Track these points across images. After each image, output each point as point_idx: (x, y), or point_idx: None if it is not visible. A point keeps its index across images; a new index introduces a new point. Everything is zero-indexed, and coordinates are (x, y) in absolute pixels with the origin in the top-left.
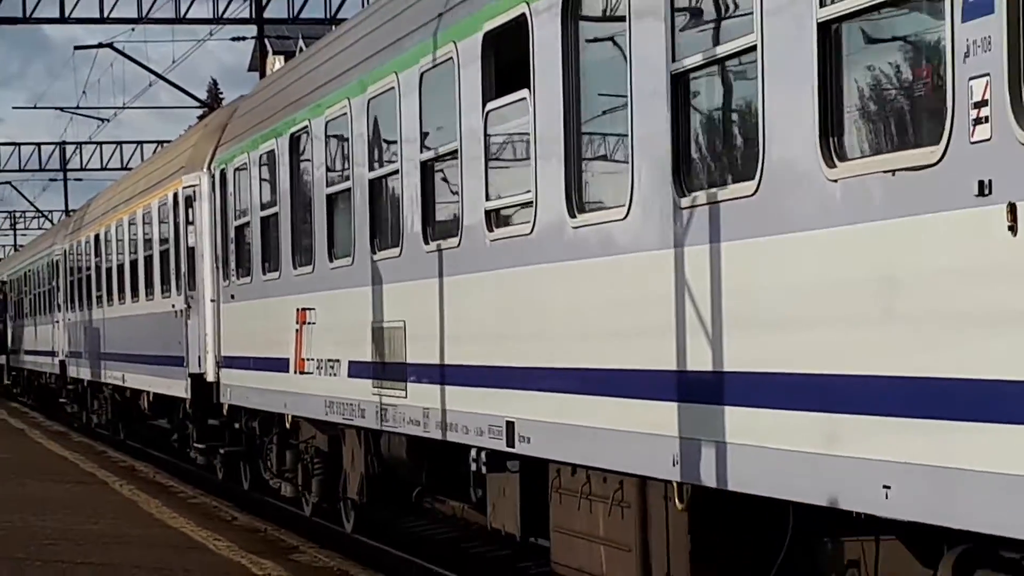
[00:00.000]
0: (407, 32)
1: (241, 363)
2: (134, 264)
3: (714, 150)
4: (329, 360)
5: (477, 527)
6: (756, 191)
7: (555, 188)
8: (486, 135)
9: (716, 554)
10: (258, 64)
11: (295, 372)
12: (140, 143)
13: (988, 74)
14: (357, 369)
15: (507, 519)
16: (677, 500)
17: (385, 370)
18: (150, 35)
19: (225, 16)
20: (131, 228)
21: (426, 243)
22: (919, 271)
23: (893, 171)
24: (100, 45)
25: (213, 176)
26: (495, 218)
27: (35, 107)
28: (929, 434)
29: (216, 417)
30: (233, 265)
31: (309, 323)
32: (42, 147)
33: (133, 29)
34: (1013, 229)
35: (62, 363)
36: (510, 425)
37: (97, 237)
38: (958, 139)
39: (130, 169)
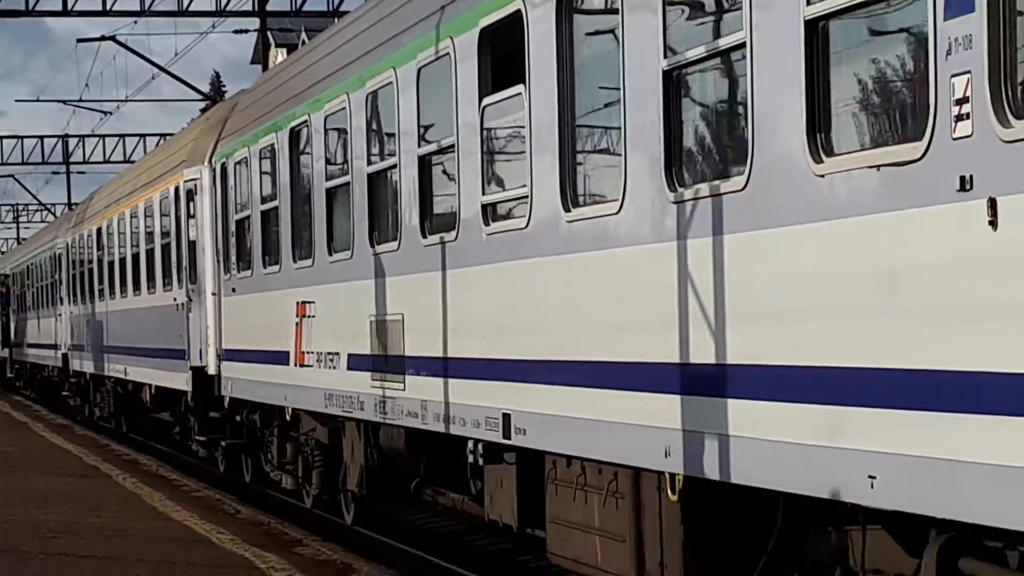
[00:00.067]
0: (405, 27)
1: (242, 356)
2: (136, 257)
3: (705, 145)
4: (329, 353)
5: (476, 519)
6: (746, 186)
7: (550, 182)
8: (482, 130)
9: (708, 544)
10: (260, 57)
11: (295, 365)
12: (143, 136)
13: (969, 71)
14: (356, 362)
15: (504, 510)
16: (670, 491)
17: (384, 363)
18: (152, 28)
19: (227, 9)
20: (133, 221)
21: (424, 237)
22: (904, 265)
23: (878, 166)
24: (103, 38)
25: (214, 170)
26: (492, 212)
27: (38, 100)
28: (914, 425)
29: (217, 410)
30: (234, 258)
31: (309, 316)
32: (45, 140)
33: (136, 22)
34: (994, 224)
35: (65, 356)
36: (506, 417)
37: (99, 230)
38: (940, 135)
39: (133, 162)
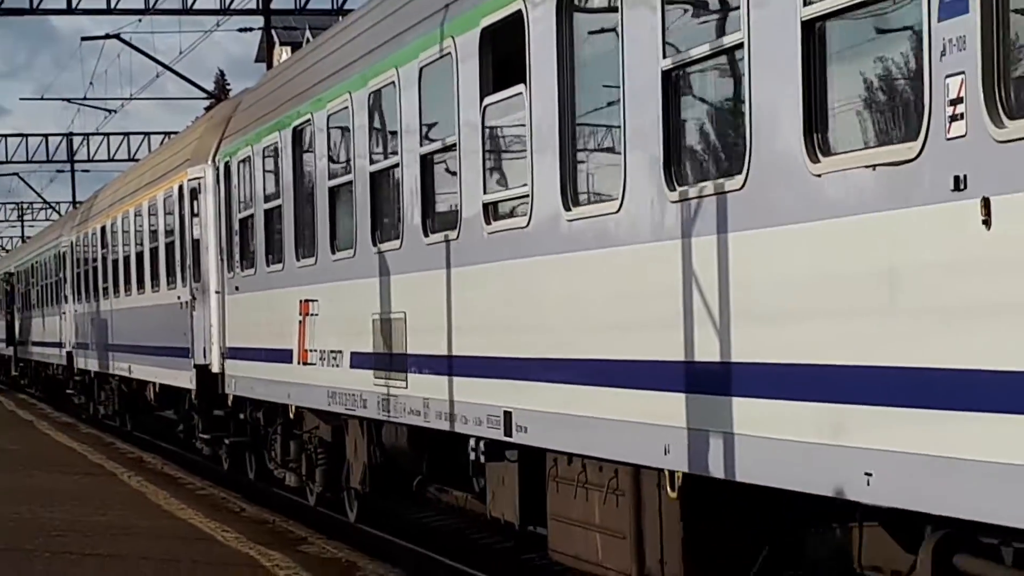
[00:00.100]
0: (407, 27)
1: (245, 354)
2: (140, 256)
3: (704, 145)
4: (332, 351)
5: (478, 516)
6: (744, 185)
7: (551, 182)
8: (484, 129)
9: (708, 540)
10: (265, 55)
11: (298, 363)
12: (147, 134)
13: (963, 72)
14: (359, 360)
15: (506, 508)
16: (669, 488)
17: (386, 361)
18: (157, 26)
19: (232, 7)
20: (137, 220)
21: (426, 235)
22: (900, 265)
23: (874, 166)
24: (107, 36)
25: (218, 168)
26: (493, 211)
27: (42, 98)
28: (908, 423)
29: (221, 408)
30: (237, 257)
31: (312, 314)
32: (49, 138)
33: (140, 20)
34: (987, 223)
35: (69, 354)
36: (507, 415)
37: (103, 229)
38: (935, 135)
39: (137, 160)
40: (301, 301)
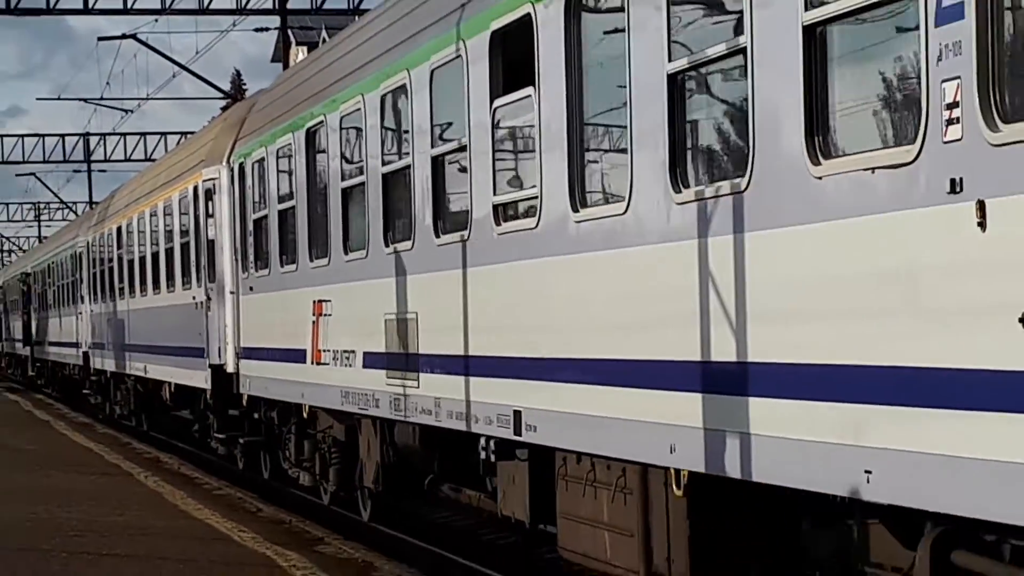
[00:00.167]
0: (418, 30)
1: (260, 354)
2: (156, 256)
3: (709, 147)
4: (345, 351)
5: (489, 514)
6: (747, 187)
7: (559, 183)
8: (494, 131)
9: (714, 538)
10: (281, 55)
11: (312, 363)
12: (164, 134)
13: (959, 77)
14: (372, 360)
15: (516, 506)
16: (675, 486)
17: (398, 361)
18: (173, 26)
19: (248, 7)
20: (153, 220)
21: (437, 236)
22: (899, 266)
23: (873, 169)
24: (124, 36)
25: (232, 169)
26: (503, 212)
27: (59, 98)
28: (906, 422)
29: (236, 407)
30: (252, 257)
31: (325, 315)
32: (66, 138)
33: (156, 20)
34: (982, 225)
35: (85, 354)
36: (517, 414)
37: (119, 229)
38: (932, 139)
39: (154, 160)
40: (314, 301)
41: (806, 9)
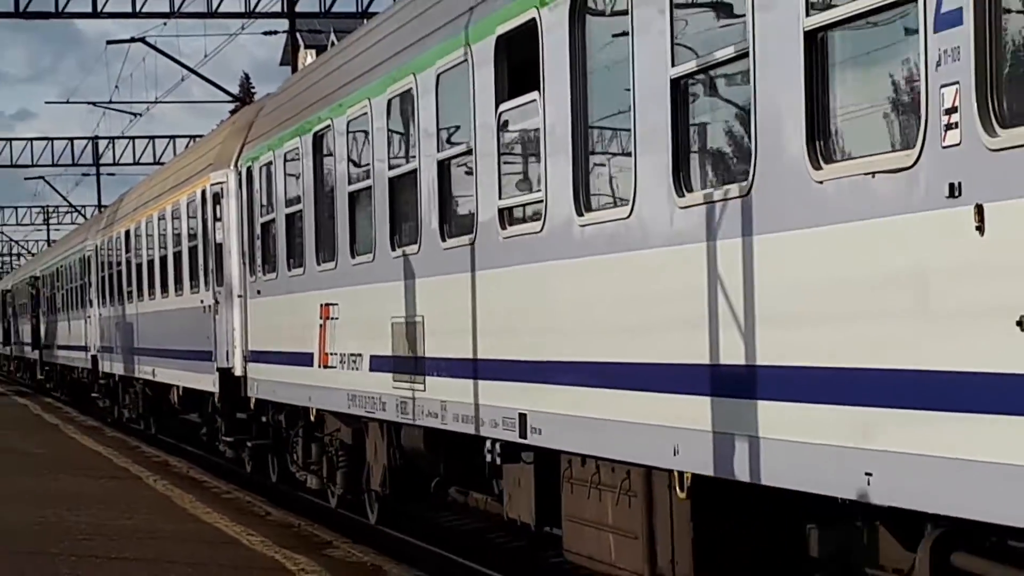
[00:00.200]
0: (424, 34)
1: (267, 358)
2: (164, 260)
3: (711, 151)
4: (351, 354)
5: (495, 517)
6: (749, 191)
7: (564, 188)
8: (499, 135)
9: (717, 540)
10: (290, 58)
11: (319, 366)
12: (172, 137)
13: (958, 82)
14: (378, 363)
15: (522, 509)
16: (679, 489)
17: (404, 364)
18: (182, 29)
19: (257, 10)
20: (161, 224)
21: (443, 240)
22: (899, 270)
23: (873, 173)
24: (132, 39)
25: (240, 173)
26: (508, 216)
27: (68, 102)
28: (906, 424)
29: (244, 411)
30: (259, 261)
31: (332, 318)
32: (75, 142)
33: (165, 23)
34: (980, 229)
35: (94, 358)
36: (522, 417)
37: (128, 233)
38: (931, 144)
39: (162, 163)
40: (322, 305)
41: (807, 14)
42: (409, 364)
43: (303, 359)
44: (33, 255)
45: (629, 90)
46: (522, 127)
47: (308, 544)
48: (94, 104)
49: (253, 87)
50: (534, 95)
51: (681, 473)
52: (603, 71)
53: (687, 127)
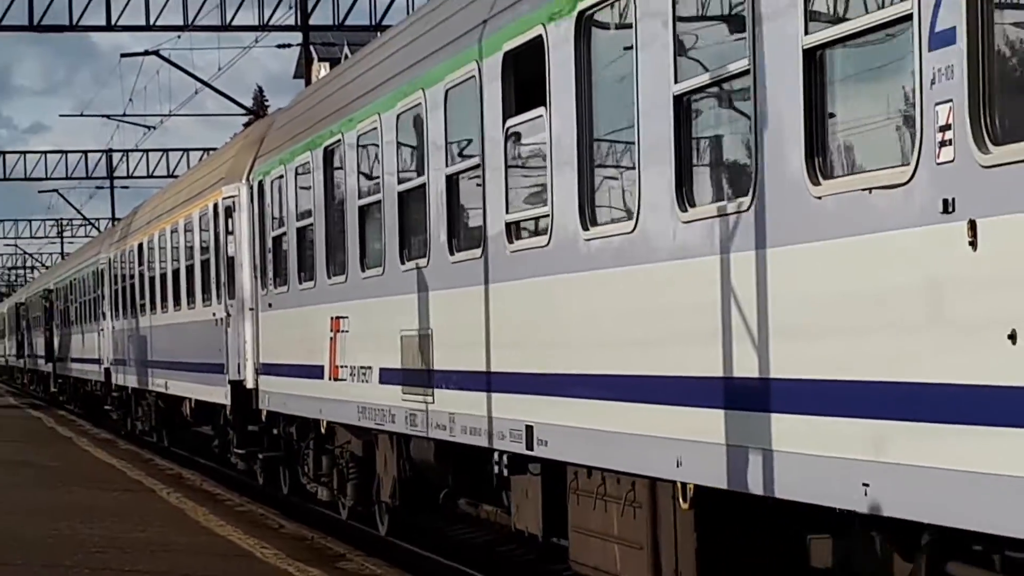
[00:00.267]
0: (433, 51)
1: (279, 370)
2: (176, 273)
3: (713, 168)
4: (361, 367)
5: (504, 528)
6: (751, 206)
7: (569, 202)
8: (506, 150)
9: (721, 550)
10: (303, 71)
11: (329, 379)
12: (186, 150)
13: (951, 100)
14: (388, 375)
15: (529, 521)
16: (682, 500)
17: (414, 376)
18: (196, 42)
19: (271, 23)
20: (173, 237)
21: (452, 254)
22: (895, 285)
23: (870, 189)
24: (146, 52)
25: (252, 187)
26: (515, 230)
27: (82, 115)
28: (902, 436)
29: (255, 423)
30: (271, 274)
31: (343, 331)
32: (89, 155)
33: (179, 36)
34: (973, 244)
35: (107, 371)
36: (529, 429)
37: (141, 246)
38: (926, 160)
39: (176, 176)
40: (332, 318)
41: (806, 33)
42: (418, 377)
43: (314, 372)
44: (47, 268)
45: (633, 106)
46: (529, 142)
47: (321, 557)
48: (108, 117)
49: (267, 100)
50: (541, 111)
51: (684, 484)
52: (608, 88)
53: (690, 143)
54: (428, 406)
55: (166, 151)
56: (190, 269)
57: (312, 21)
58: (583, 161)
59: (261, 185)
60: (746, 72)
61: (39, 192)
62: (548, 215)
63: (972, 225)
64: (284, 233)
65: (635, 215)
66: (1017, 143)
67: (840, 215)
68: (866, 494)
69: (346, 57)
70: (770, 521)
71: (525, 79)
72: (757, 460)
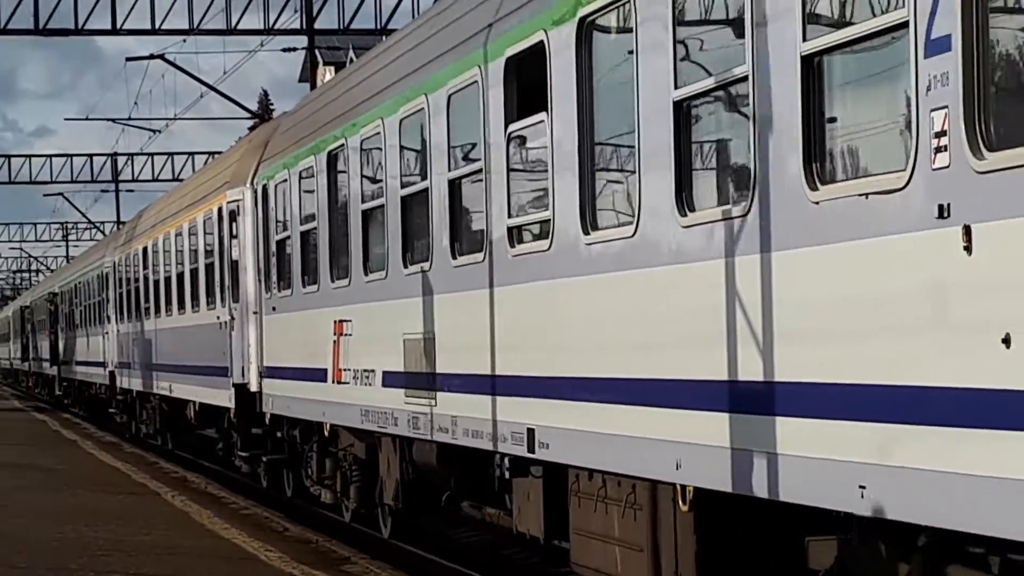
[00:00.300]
0: (435, 56)
1: (282, 373)
2: (181, 276)
3: (712, 173)
4: (365, 370)
5: (506, 530)
6: (749, 211)
7: (571, 206)
8: (508, 155)
9: (720, 552)
10: (309, 75)
11: (333, 382)
12: (191, 154)
13: (947, 106)
14: (391, 379)
15: (531, 522)
16: (681, 502)
17: (416, 380)
18: (201, 46)
19: (276, 27)
20: (178, 241)
21: (454, 258)
22: (891, 289)
23: (867, 194)
24: (151, 56)
25: (256, 191)
26: (517, 234)
27: (87, 118)
28: (896, 438)
29: (259, 426)
30: (275, 278)
31: (346, 335)
32: (94, 158)
33: (184, 40)
34: (968, 249)
35: (112, 374)
36: (531, 432)
37: (145, 250)
38: (922, 166)
39: (181, 180)
40: (335, 321)
41: (804, 40)
42: (421, 380)
43: (317, 375)
44: (52, 271)
45: (634, 112)
46: (531, 147)
47: (326, 560)
48: (113, 121)
49: (272, 104)
50: (542, 115)
51: (684, 486)
52: (609, 94)
53: (690, 148)
54: (431, 409)
55: (171, 155)
56: (194, 273)
57: (317, 25)
58: (584, 166)
59: (265, 189)
60: (745, 78)
61: (44, 196)
62: (550, 219)
63: (967, 230)
64: (288, 237)
65: (635, 219)
66: (1011, 149)
67: (838, 220)
68: (868, 497)
69: (351, 61)
70: (769, 523)
71: (527, 84)
72: (756, 463)
